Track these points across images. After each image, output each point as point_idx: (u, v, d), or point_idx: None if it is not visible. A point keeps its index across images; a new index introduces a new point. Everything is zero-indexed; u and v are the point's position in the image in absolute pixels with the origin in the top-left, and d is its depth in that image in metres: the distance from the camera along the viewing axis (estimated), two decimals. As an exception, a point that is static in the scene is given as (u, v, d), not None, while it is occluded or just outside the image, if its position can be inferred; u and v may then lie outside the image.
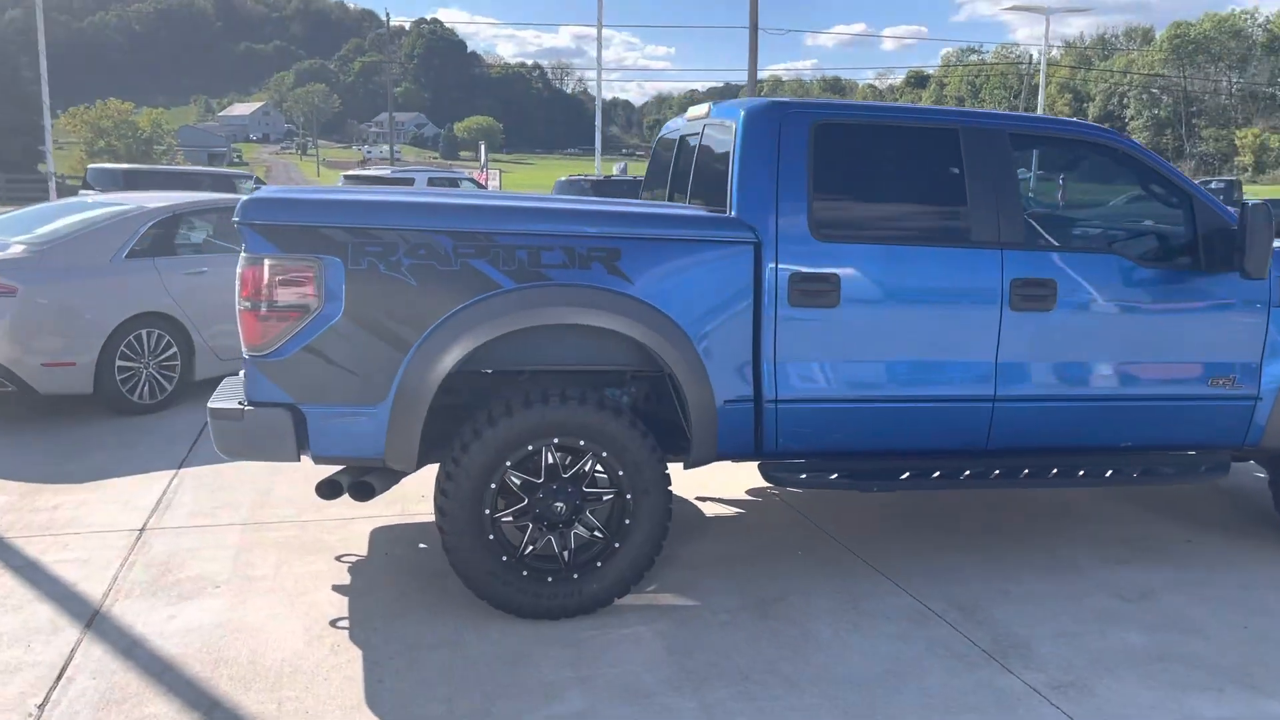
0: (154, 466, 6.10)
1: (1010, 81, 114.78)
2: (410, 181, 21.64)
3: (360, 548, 4.91)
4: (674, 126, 5.55)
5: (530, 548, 4.14)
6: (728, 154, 4.48)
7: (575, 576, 4.14)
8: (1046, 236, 4.80)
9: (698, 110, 5.12)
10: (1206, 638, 4.09)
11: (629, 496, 4.13)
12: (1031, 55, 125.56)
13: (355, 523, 5.24)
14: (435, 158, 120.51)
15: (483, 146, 39.49)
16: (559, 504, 4.12)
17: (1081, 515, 5.55)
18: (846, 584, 4.53)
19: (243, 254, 3.93)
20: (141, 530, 5.07)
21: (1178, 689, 3.67)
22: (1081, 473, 4.62)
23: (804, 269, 4.25)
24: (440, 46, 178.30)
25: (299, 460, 4.07)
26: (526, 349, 4.16)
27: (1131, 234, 4.79)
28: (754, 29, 28.22)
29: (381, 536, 5.07)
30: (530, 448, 4.05)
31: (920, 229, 4.49)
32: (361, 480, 4.15)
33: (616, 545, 4.15)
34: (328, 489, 4.17)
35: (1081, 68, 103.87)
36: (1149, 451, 4.79)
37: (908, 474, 4.48)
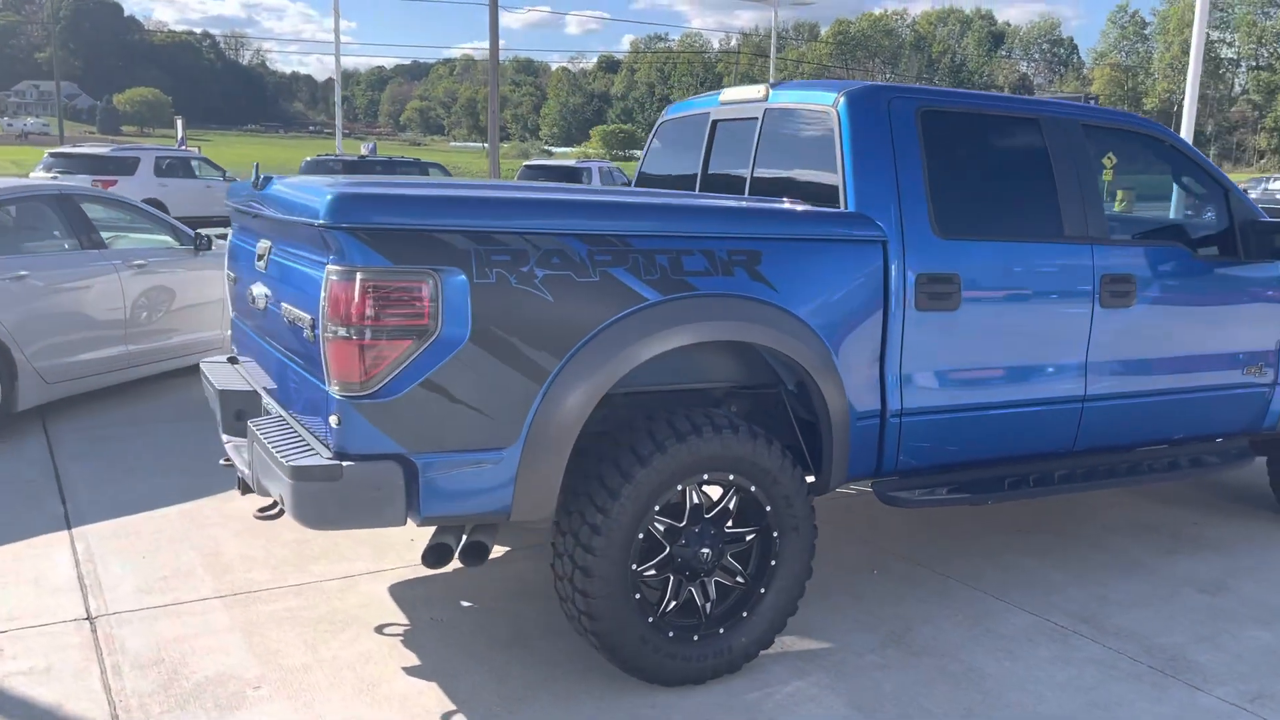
0: (32, 530, 4.82)
1: (696, 70, 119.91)
2: (135, 161, 19.17)
3: (391, 614, 4.07)
4: (695, 108, 5.01)
5: (673, 604, 3.55)
6: (822, 142, 4.04)
7: (721, 631, 3.60)
8: (1120, 231, 4.73)
9: (745, 92, 4.63)
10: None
11: (775, 534, 3.63)
12: (714, 44, 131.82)
13: (359, 581, 4.36)
14: (92, 132, 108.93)
15: (180, 122, 35.78)
16: (705, 550, 3.55)
17: (1087, 505, 5.59)
18: (955, 605, 4.26)
19: (333, 266, 3.05)
20: (90, 619, 3.94)
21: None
22: (1148, 468, 4.62)
23: (929, 269, 3.90)
24: (91, 8, 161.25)
25: (405, 524, 3.24)
26: (647, 370, 3.54)
27: (1181, 226, 4.81)
28: (494, 3, 27.44)
29: (407, 596, 4.23)
30: (680, 487, 3.45)
31: (1023, 223, 4.26)
32: (475, 540, 3.38)
33: (762, 591, 3.64)
34: (436, 555, 3.36)
35: (760, 57, 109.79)
36: (1190, 442, 4.87)
37: (1010, 482, 4.28)
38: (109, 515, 5.00)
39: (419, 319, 3.08)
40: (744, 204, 3.90)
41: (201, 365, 4.57)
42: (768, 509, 3.60)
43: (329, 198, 3.05)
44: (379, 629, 3.94)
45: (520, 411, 3.22)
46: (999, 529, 5.16)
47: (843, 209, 3.88)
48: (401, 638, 3.87)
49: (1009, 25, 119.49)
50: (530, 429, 3.23)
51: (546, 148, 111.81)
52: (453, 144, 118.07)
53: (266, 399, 3.94)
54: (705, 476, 3.48)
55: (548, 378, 3.23)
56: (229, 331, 4.62)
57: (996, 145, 4.28)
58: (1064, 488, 4.38)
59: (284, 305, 3.44)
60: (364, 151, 22.48)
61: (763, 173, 4.40)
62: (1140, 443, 4.68)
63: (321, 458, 3.14)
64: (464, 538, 3.39)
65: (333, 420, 3.11)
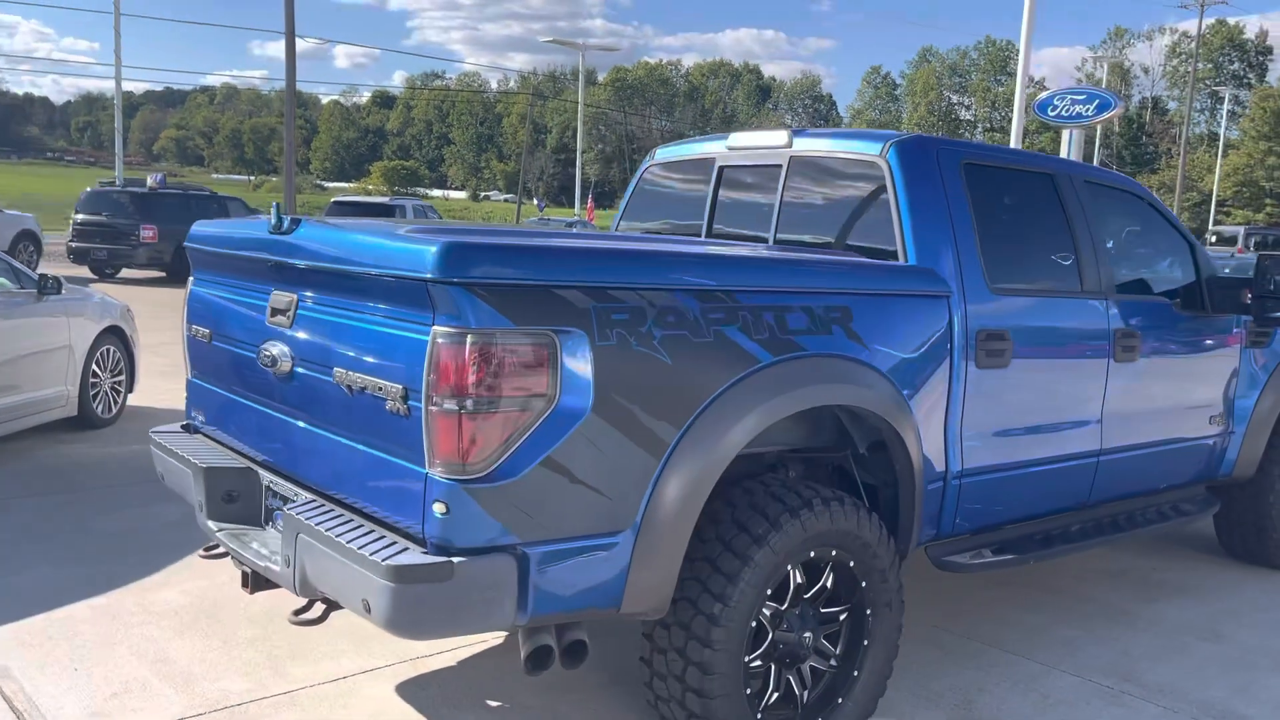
0: (-87, 637, 3.94)
1: (475, 109, 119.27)
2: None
3: (414, 721, 3.53)
4: (692, 153, 4.74)
5: (775, 695, 3.23)
6: (869, 193, 3.89)
7: (820, 721, 3.30)
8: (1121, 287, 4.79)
9: (761, 138, 4.40)
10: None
11: (868, 611, 3.38)
12: (492, 84, 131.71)
13: (356, 683, 3.78)
14: None
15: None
16: (806, 633, 3.26)
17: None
18: (995, 670, 4.14)
19: (443, 328, 2.59)
20: (47, 754, 3.20)
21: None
22: (1143, 518, 4.70)
23: (986, 325, 3.79)
24: None
25: (512, 627, 2.78)
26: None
27: (1159, 280, 4.94)
28: (290, 32, 26.17)
29: (422, 699, 3.69)
30: (788, 568, 3.15)
31: (1054, 278, 4.24)
32: (576, 639, 2.94)
33: (855, 673, 3.38)
34: (539, 660, 2.88)
35: (543, 98, 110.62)
36: (1168, 492, 4.99)
37: (1040, 539, 4.23)
38: (8, 619, 4.14)
39: (541, 388, 2.65)
40: (828, 257, 3.66)
41: (154, 437, 3.87)
42: (863, 584, 3.35)
43: (438, 248, 2.58)
44: (412, 743, 3.40)
45: (638, 490, 2.84)
46: (980, 583, 5.10)
47: (902, 263, 3.72)
48: (443, 751, 3.35)
49: (774, 80, 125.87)
50: (647, 510, 2.85)
51: (319, 182, 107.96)
52: (214, 176, 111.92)
53: (270, 478, 3.36)
54: (811, 554, 3.19)
55: (666, 450, 2.87)
56: (187, 395, 3.94)
57: (1025, 200, 4.25)
58: (1086, 543, 4.37)
59: (338, 371, 2.91)
60: (152, 183, 20.68)
61: (790, 224, 4.18)
62: (1134, 493, 4.75)
63: (418, 554, 2.64)
64: (563, 640, 2.94)
65: (437, 509, 2.62)
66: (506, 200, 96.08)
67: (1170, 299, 4.84)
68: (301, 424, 3.15)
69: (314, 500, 3.07)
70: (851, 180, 4.02)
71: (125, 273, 20.07)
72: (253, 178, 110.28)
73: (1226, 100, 73.56)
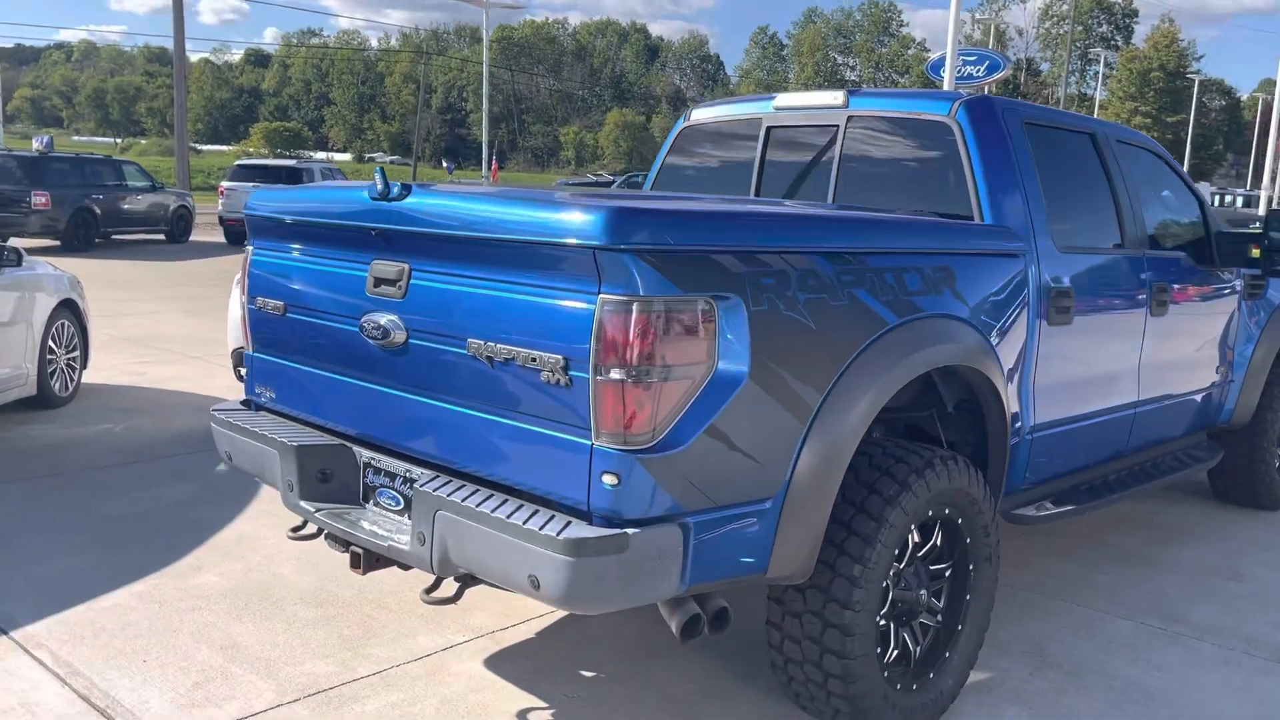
0: (-49, 635, 3.70)
1: (356, 68, 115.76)
2: None
3: (518, 698, 3.47)
4: (735, 113, 4.68)
5: (894, 653, 3.27)
6: (938, 153, 3.92)
7: (932, 676, 3.36)
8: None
9: (813, 98, 4.38)
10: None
11: (971, 567, 3.45)
12: (373, 42, 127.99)
13: (441, 660, 3.70)
14: None
15: None
16: (922, 591, 3.31)
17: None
18: (1055, 618, 4.29)
19: (611, 295, 2.52)
20: (152, 751, 3.05)
21: None
22: (1168, 465, 4.90)
23: (1055, 283, 3.88)
24: None
25: (671, 597, 2.74)
26: None
27: (1176, 236, 5.10)
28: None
29: (513, 672, 3.63)
30: (911, 528, 3.19)
31: (1102, 235, 4.35)
32: (720, 606, 2.92)
33: (960, 627, 3.45)
34: (693, 628, 2.86)
35: (423, 58, 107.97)
36: (1181, 439, 5.20)
37: (1090, 489, 4.38)
38: (41, 613, 3.91)
39: (704, 356, 2.62)
40: (929, 218, 3.67)
41: (219, 415, 3.69)
42: (968, 540, 3.41)
43: (604, 214, 2.51)
44: (521, 717, 3.34)
45: (786, 456, 2.84)
46: (1004, 534, 5.24)
47: (978, 222, 3.77)
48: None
49: (662, 40, 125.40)
50: (793, 475, 2.85)
51: (193, 145, 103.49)
52: (76, 138, 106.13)
53: (370, 455, 3.23)
54: (929, 513, 3.23)
55: (811, 414, 2.86)
56: (247, 371, 3.74)
57: (1074, 158, 4.35)
58: (1126, 492, 4.52)
59: (473, 343, 2.80)
60: (39, 146, 19.52)
61: (850, 186, 4.18)
62: (1158, 442, 4.94)
63: (586, 527, 2.59)
64: (710, 608, 2.92)
65: (607, 480, 2.56)
66: (393, 162, 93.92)
67: (1185, 253, 5.02)
68: (419, 398, 3.03)
69: (439, 476, 2.96)
70: (917, 141, 4.04)
71: (14, 242, 18.94)
72: (119, 140, 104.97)
73: (1101, 62, 76.32)
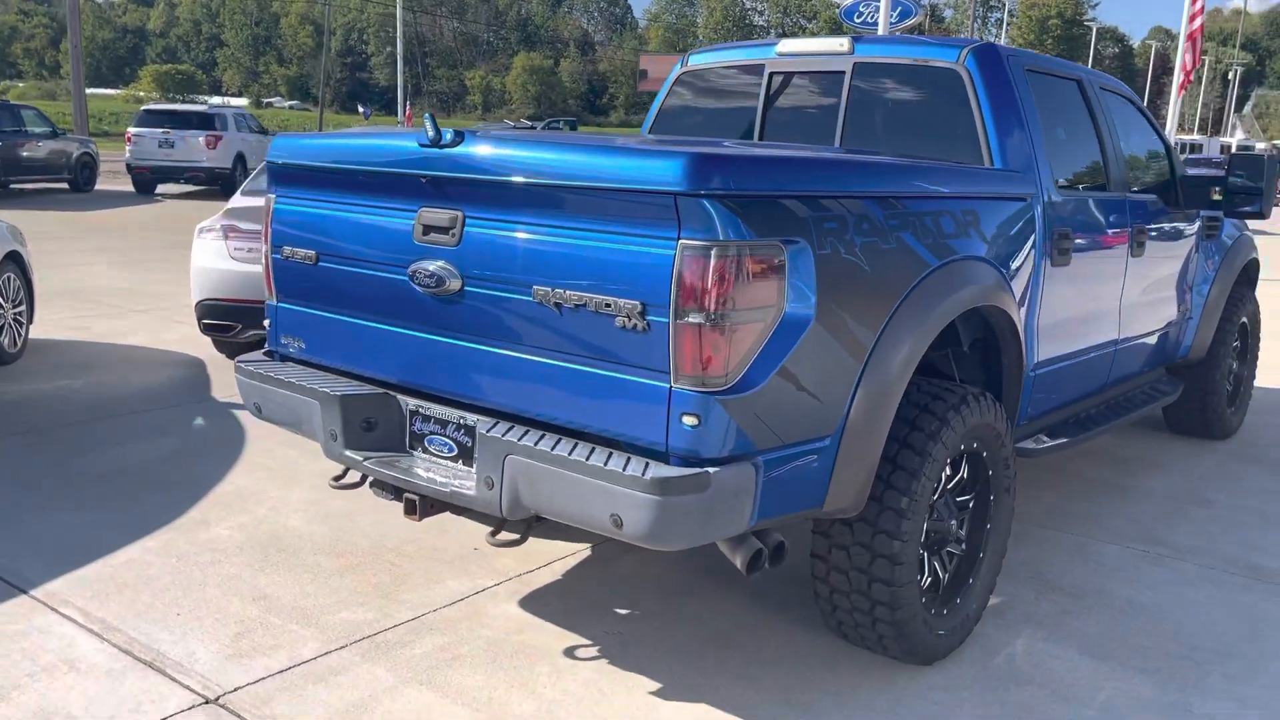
0: (-32, 596, 3.61)
1: (249, 8, 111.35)
2: None
3: (559, 636, 3.54)
4: (735, 58, 4.72)
5: (929, 580, 3.44)
6: (947, 99, 4.04)
7: (959, 601, 3.54)
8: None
9: (818, 44, 4.44)
10: None
11: (992, 497, 3.62)
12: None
13: (478, 603, 3.75)
14: None
15: None
16: (952, 521, 3.47)
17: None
18: (1049, 545, 4.52)
19: (691, 240, 2.57)
20: (216, 703, 3.05)
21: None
22: (1139, 399, 5.17)
23: (1058, 225, 4.05)
24: None
25: (742, 532, 2.84)
26: None
27: (1147, 179, 5.31)
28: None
29: (550, 612, 3.70)
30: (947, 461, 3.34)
31: (1092, 178, 4.53)
32: (779, 541, 3.03)
33: (981, 555, 3.63)
34: (756, 562, 2.96)
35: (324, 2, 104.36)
36: (1146, 374, 5.48)
37: (1076, 422, 4.61)
38: (56, 571, 3.84)
39: (776, 299, 2.69)
40: (956, 164, 3.78)
41: (246, 367, 3.64)
42: (990, 472, 3.58)
43: (685, 160, 2.56)
44: (569, 654, 3.42)
45: (845, 395, 2.95)
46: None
47: (990, 167, 3.90)
48: (606, 660, 3.40)
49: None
50: (850, 413, 2.96)
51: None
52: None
53: (416, 403, 3.24)
54: (962, 447, 3.38)
55: (866, 354, 2.97)
56: (273, 322, 3.69)
57: (1067, 104, 4.50)
58: (1108, 425, 4.76)
59: (539, 290, 2.83)
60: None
61: (856, 132, 4.27)
62: (1130, 377, 5.20)
63: (665, 467, 2.66)
64: (772, 543, 3.02)
65: (687, 421, 2.64)
66: (293, 107, 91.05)
67: (1155, 196, 5.25)
68: (476, 345, 3.04)
69: (500, 422, 2.99)
70: (924, 88, 4.14)
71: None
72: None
73: (1004, 9, 77.71)
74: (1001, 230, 3.66)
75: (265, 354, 3.75)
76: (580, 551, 4.20)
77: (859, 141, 4.27)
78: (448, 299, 3.06)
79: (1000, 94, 3.95)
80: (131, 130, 20.81)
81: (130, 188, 21.30)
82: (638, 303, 2.65)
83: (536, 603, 3.78)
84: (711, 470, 2.63)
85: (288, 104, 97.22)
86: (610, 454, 2.74)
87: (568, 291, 2.78)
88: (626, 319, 2.68)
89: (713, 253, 2.57)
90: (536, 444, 2.82)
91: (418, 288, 3.10)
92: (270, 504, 4.62)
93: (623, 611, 3.75)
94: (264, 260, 3.66)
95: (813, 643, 3.54)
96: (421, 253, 3.09)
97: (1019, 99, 3.99)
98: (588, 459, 2.71)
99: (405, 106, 33.22)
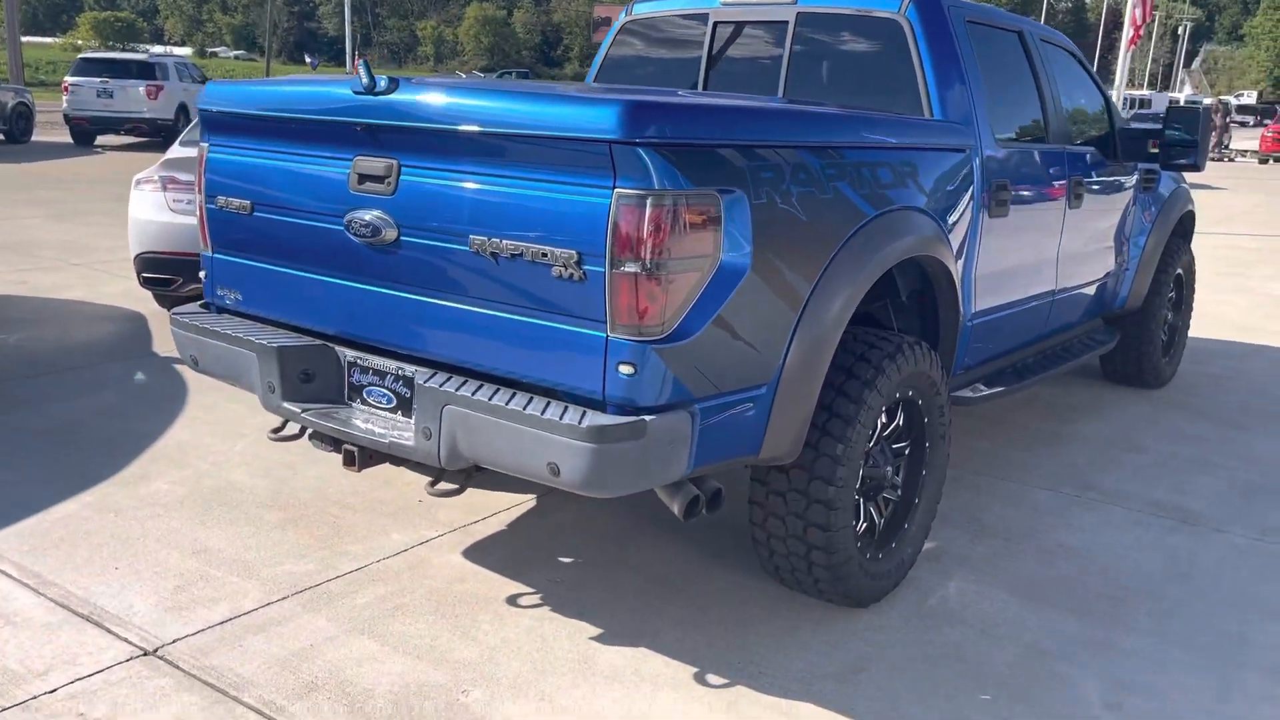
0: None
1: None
2: None
3: (502, 585, 3.58)
4: (678, 7, 4.68)
5: (864, 525, 3.50)
6: (888, 49, 4.05)
7: (893, 545, 3.62)
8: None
9: (763, -8, 4.41)
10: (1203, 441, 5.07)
11: (927, 444, 3.69)
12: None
13: (421, 554, 3.77)
14: None
15: None
16: (888, 467, 3.54)
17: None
18: (985, 492, 4.62)
19: (626, 189, 2.57)
20: (155, 654, 3.04)
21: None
22: (1077, 348, 5.28)
23: (996, 177, 4.09)
24: None
25: (679, 479, 2.87)
26: None
27: (1086, 131, 5.37)
28: None
29: (493, 562, 3.73)
30: (882, 408, 3.39)
31: (1031, 130, 4.57)
32: (716, 488, 3.07)
33: (917, 501, 3.70)
34: (693, 509, 3.00)
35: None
36: (1084, 324, 5.58)
37: (1014, 371, 4.69)
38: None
39: (712, 249, 2.71)
40: (895, 115, 3.79)
41: (181, 319, 3.60)
42: (925, 420, 3.64)
43: (620, 108, 2.55)
44: (512, 602, 3.46)
45: (781, 343, 2.98)
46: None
47: (929, 118, 3.92)
48: (548, 607, 3.44)
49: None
50: (786, 361, 2.99)
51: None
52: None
53: (354, 354, 3.23)
54: (897, 395, 3.44)
55: (802, 304, 3.00)
56: (208, 273, 3.64)
57: (1007, 56, 4.53)
58: (1045, 374, 4.85)
59: (476, 239, 2.82)
60: None
61: (799, 82, 4.27)
62: (1067, 327, 5.29)
63: (602, 415, 2.68)
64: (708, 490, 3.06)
65: (624, 370, 2.65)
66: (238, 57, 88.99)
67: (1094, 148, 5.31)
68: (412, 295, 3.03)
69: (438, 373, 2.99)
70: (866, 37, 4.14)
71: None
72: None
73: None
74: (939, 181, 3.70)
75: (202, 306, 3.71)
76: (525, 503, 4.22)
77: (803, 92, 4.27)
78: (384, 249, 3.04)
79: (940, 45, 3.97)
80: (69, 79, 20.24)
81: (69, 139, 20.75)
82: (574, 252, 2.65)
83: (480, 553, 3.80)
84: (647, 418, 2.66)
85: (233, 54, 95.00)
86: (548, 403, 2.75)
87: (504, 241, 2.77)
88: (563, 269, 2.68)
89: (648, 202, 2.57)
90: (474, 394, 2.83)
91: (354, 237, 3.08)
92: (212, 458, 4.58)
93: (566, 560, 3.78)
94: (198, 210, 3.61)
95: (752, 587, 3.61)
96: (357, 202, 3.07)
97: (959, 50, 4.01)
98: (525, 408, 2.73)
99: (354, 57, 32.55)
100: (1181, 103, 37.95)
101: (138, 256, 6.45)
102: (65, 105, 20.20)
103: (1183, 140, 5.25)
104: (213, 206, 3.52)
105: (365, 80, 2.96)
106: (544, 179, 2.71)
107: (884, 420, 3.47)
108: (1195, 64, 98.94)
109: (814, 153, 3.05)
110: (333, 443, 3.31)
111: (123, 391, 5.48)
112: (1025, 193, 4.37)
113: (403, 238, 2.99)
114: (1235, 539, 4.23)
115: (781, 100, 3.95)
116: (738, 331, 2.82)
